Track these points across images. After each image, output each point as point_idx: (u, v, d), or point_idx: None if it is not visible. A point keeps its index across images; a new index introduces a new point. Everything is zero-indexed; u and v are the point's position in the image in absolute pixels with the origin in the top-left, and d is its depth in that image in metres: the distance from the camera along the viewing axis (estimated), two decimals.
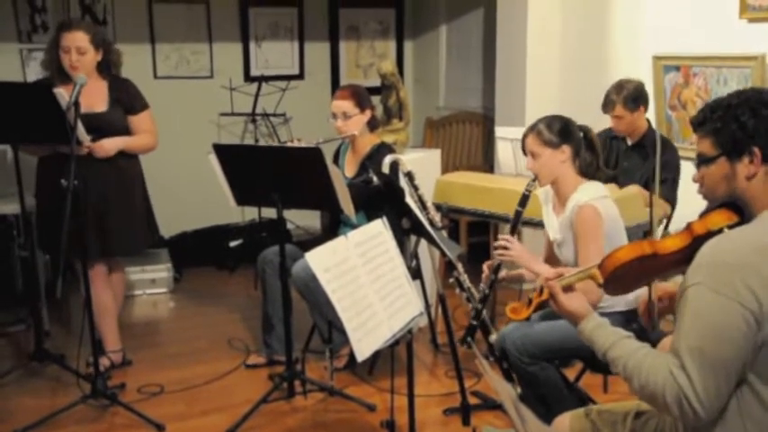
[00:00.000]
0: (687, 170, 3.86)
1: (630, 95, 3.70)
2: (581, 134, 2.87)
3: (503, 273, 3.06)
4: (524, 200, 2.94)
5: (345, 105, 3.68)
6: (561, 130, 2.81)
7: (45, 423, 3.26)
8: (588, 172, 2.87)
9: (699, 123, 1.78)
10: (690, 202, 3.33)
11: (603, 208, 2.76)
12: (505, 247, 2.91)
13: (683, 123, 4.31)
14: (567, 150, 2.81)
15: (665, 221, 3.82)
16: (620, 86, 3.73)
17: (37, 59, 3.91)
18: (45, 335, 4.12)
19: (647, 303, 2.08)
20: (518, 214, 2.97)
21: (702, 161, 1.78)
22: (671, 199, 3.75)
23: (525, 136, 2.87)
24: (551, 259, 2.99)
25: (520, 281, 3.09)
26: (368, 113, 3.73)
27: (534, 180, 2.88)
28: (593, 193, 2.78)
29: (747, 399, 1.63)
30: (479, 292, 3.12)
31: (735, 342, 1.57)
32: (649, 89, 4.36)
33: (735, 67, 3.95)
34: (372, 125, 3.78)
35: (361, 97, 3.71)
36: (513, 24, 4.94)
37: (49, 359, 3.80)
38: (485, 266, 3.06)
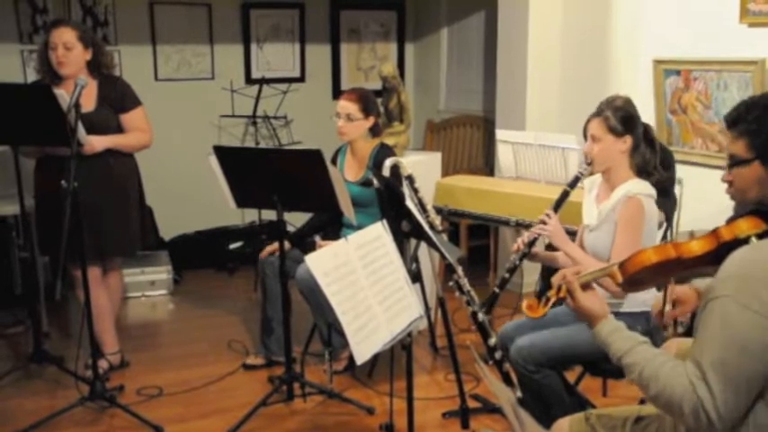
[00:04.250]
0: (688, 174, 3.86)
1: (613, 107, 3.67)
2: (642, 129, 2.87)
3: (536, 248, 3.05)
4: (575, 181, 2.94)
5: (351, 108, 3.66)
6: (627, 120, 2.81)
7: (43, 425, 3.26)
8: (645, 169, 2.86)
9: (733, 121, 1.73)
10: (694, 208, 3.32)
11: (648, 207, 2.77)
12: (544, 222, 2.93)
13: (684, 128, 4.30)
14: (628, 141, 2.81)
15: (664, 227, 3.80)
16: (608, 104, 3.71)
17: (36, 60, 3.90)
18: (44, 336, 4.12)
19: (662, 307, 2.06)
20: (565, 194, 2.98)
21: (735, 162, 1.73)
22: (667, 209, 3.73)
23: (590, 120, 2.87)
24: (581, 248, 2.99)
25: (552, 263, 3.09)
26: (371, 120, 3.71)
27: (589, 164, 2.87)
28: (643, 189, 2.79)
29: (759, 412, 1.61)
30: (509, 263, 3.11)
31: (759, 357, 1.55)
32: (650, 93, 4.37)
33: (735, 72, 3.95)
34: (375, 132, 3.76)
35: (367, 103, 3.69)
36: (515, 27, 4.94)
37: (48, 361, 3.80)
38: (519, 240, 3.05)
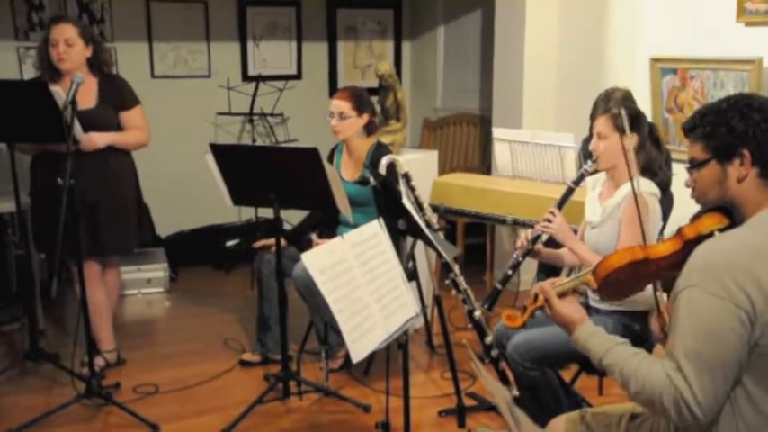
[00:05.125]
0: (682, 172, 3.86)
1: (618, 104, 3.67)
2: (647, 129, 2.88)
3: (539, 245, 3.05)
4: (580, 178, 2.96)
5: (343, 106, 3.66)
6: (634, 118, 2.82)
7: (39, 422, 3.25)
8: (651, 168, 2.87)
9: (689, 129, 1.81)
10: (691, 207, 3.34)
11: (653, 206, 2.78)
12: (549, 220, 2.94)
13: (680, 126, 4.31)
14: (634, 139, 2.82)
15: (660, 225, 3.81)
16: (607, 97, 3.72)
17: (34, 57, 3.89)
18: (40, 334, 4.12)
19: (660, 318, 2.09)
20: (569, 191, 2.98)
21: (694, 165, 1.80)
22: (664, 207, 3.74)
23: (596, 117, 2.88)
24: None
25: (556, 260, 3.11)
26: (365, 117, 3.70)
27: (594, 161, 2.88)
28: (648, 188, 2.80)
29: (740, 400, 1.64)
30: (512, 260, 3.11)
31: (730, 342, 1.58)
32: (646, 92, 4.38)
33: (732, 71, 3.96)
34: (369, 130, 3.75)
35: (360, 100, 3.69)
36: (511, 26, 4.94)
37: (44, 358, 3.79)
38: (522, 237, 3.07)
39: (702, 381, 1.58)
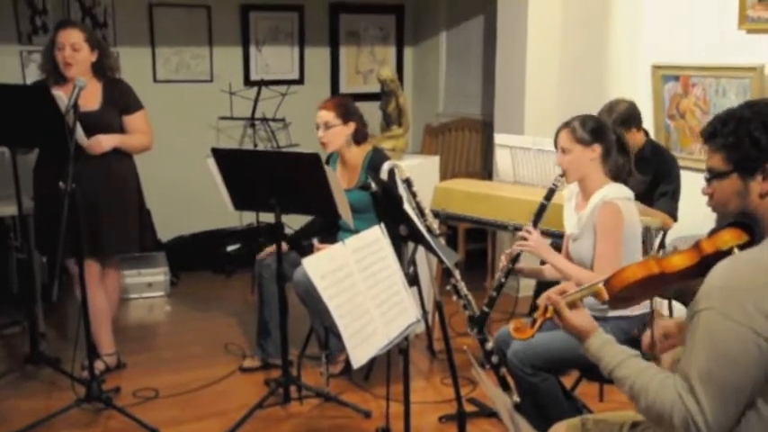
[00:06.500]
0: (686, 180, 3.86)
1: (621, 117, 3.66)
2: (614, 137, 2.89)
3: (520, 264, 3.06)
4: (550, 193, 2.97)
5: (327, 116, 3.64)
6: (594, 130, 2.85)
7: (39, 426, 3.25)
8: (620, 175, 2.88)
9: (709, 136, 1.74)
10: (693, 213, 3.34)
11: (626, 209, 2.78)
12: (525, 238, 2.95)
13: (682, 133, 4.31)
14: (597, 149, 2.84)
15: (661, 233, 3.81)
16: (610, 109, 3.71)
17: (37, 61, 3.90)
18: (40, 337, 4.11)
19: (651, 339, 2.07)
20: (542, 207, 3.00)
21: (713, 176, 1.74)
22: (672, 212, 3.73)
23: (559, 131, 2.91)
24: (567, 257, 3.00)
25: (538, 276, 3.13)
26: (351, 126, 3.67)
27: (562, 175, 2.91)
28: (619, 193, 2.81)
29: (752, 422, 1.61)
30: (495, 281, 3.13)
31: (746, 367, 1.55)
32: (648, 99, 4.38)
33: (733, 78, 3.96)
34: (358, 139, 3.72)
35: (344, 109, 3.67)
36: (513, 32, 4.94)
37: (44, 362, 3.79)
38: (503, 256, 3.08)
39: (714, 405, 1.55)
